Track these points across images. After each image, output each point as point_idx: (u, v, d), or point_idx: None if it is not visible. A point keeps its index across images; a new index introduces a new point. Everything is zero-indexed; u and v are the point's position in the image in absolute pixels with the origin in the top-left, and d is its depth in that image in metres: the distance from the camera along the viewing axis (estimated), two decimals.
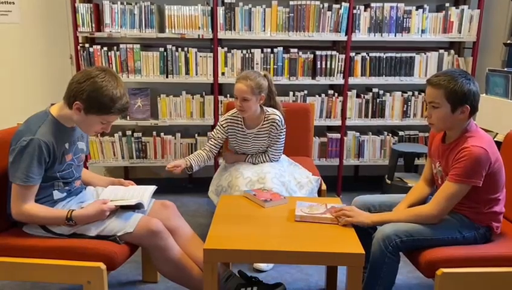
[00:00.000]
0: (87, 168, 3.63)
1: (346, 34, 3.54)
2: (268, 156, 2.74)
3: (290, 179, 2.65)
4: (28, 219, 1.93)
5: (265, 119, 2.70)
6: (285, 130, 2.73)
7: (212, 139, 2.75)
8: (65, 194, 2.04)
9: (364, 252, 1.78)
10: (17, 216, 1.91)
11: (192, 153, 3.65)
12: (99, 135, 3.66)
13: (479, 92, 1.94)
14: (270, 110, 2.72)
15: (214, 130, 2.77)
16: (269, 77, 2.72)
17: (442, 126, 1.99)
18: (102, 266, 1.87)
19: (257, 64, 3.55)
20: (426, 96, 1.97)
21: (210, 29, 3.48)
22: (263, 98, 2.65)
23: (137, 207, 2.06)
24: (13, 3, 3.70)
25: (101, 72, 1.87)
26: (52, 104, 1.99)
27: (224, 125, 2.73)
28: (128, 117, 3.64)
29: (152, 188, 2.19)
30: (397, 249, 1.91)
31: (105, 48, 3.49)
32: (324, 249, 1.80)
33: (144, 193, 2.13)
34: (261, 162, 2.72)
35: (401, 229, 1.91)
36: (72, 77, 1.91)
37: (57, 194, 2.00)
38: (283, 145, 2.78)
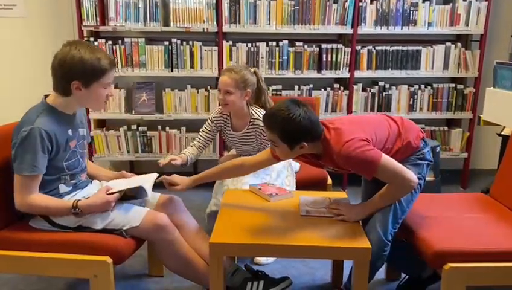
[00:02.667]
0: (92, 162, 3.64)
1: (352, 27, 3.51)
2: None
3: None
4: (32, 209, 1.91)
5: (251, 123, 2.56)
6: None
7: (201, 133, 2.67)
8: (71, 187, 2.03)
9: (371, 246, 1.78)
10: (21, 207, 1.89)
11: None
12: (104, 130, 3.66)
13: (315, 120, 1.88)
14: (256, 113, 2.56)
15: (205, 124, 2.69)
16: (259, 74, 2.58)
17: (288, 158, 2.03)
18: (109, 259, 1.87)
19: (262, 57, 3.53)
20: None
21: (215, 23, 3.46)
22: (249, 94, 2.51)
23: (140, 196, 2.05)
24: None
25: (69, 45, 1.88)
26: (46, 96, 1.99)
27: (213, 120, 2.66)
28: (133, 111, 3.64)
29: (154, 176, 2.17)
30: (392, 242, 1.94)
31: (110, 42, 3.48)
32: (331, 243, 1.80)
33: (145, 181, 2.11)
34: None
35: (387, 224, 1.93)
36: (51, 68, 1.90)
37: (62, 188, 2.00)
38: None
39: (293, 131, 1.84)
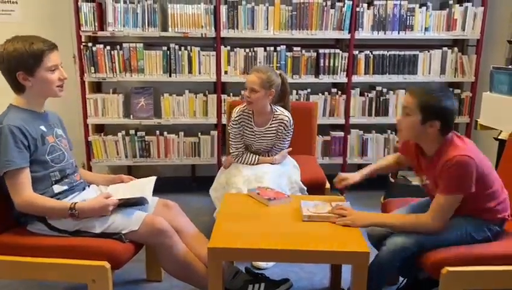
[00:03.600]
0: (90, 168, 3.64)
1: (349, 32, 3.53)
2: (271, 154, 2.76)
3: (285, 179, 2.66)
4: (31, 208, 1.91)
5: (274, 118, 2.72)
6: (292, 131, 2.76)
7: (235, 139, 2.76)
8: (66, 187, 2.03)
9: (369, 251, 1.78)
10: (21, 207, 1.90)
11: (195, 152, 3.70)
12: (102, 135, 3.67)
13: (455, 110, 1.93)
14: (279, 110, 2.74)
15: (232, 130, 2.77)
16: (284, 76, 2.75)
17: (409, 135, 2.00)
18: (107, 265, 1.87)
19: (260, 62, 3.54)
20: (403, 101, 1.98)
21: (213, 28, 3.48)
22: (272, 94, 2.66)
23: (140, 203, 2.06)
24: (16, 2, 3.70)
25: (4, 43, 1.90)
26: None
27: (236, 119, 2.75)
28: (131, 116, 3.65)
29: (152, 180, 2.18)
30: (406, 259, 1.92)
31: (108, 47, 3.49)
32: (329, 247, 1.81)
33: (145, 187, 2.13)
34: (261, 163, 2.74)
35: (412, 240, 1.90)
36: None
37: (57, 188, 2.00)
38: (288, 145, 2.80)
39: (434, 105, 1.87)
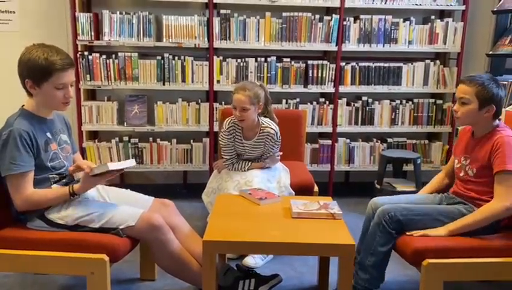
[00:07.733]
0: None
1: (336, 45, 3.68)
2: (261, 161, 2.86)
3: (273, 183, 2.77)
4: (33, 204, 1.98)
5: (261, 131, 2.79)
6: (279, 142, 2.84)
7: (226, 150, 2.84)
8: (63, 185, 2.09)
9: (354, 243, 1.89)
10: (22, 206, 1.97)
11: (188, 158, 3.79)
12: (96, 141, 3.74)
13: (504, 99, 2.16)
14: (265, 122, 2.81)
15: (222, 141, 2.85)
16: (265, 87, 2.83)
17: (467, 121, 2.20)
18: (105, 257, 1.95)
19: (251, 72, 3.67)
20: (457, 93, 2.17)
21: (206, 39, 3.60)
22: (261, 107, 2.76)
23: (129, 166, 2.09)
24: (14, 12, 3.79)
25: (31, 48, 1.99)
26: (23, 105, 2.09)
27: (228, 130, 2.82)
28: (125, 123, 3.73)
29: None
30: (394, 221, 2.06)
31: (104, 56, 3.58)
32: (317, 240, 1.91)
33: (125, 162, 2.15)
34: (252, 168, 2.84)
35: (402, 205, 2.10)
36: None
37: (55, 187, 2.07)
38: (277, 151, 2.89)
39: (491, 92, 2.07)
